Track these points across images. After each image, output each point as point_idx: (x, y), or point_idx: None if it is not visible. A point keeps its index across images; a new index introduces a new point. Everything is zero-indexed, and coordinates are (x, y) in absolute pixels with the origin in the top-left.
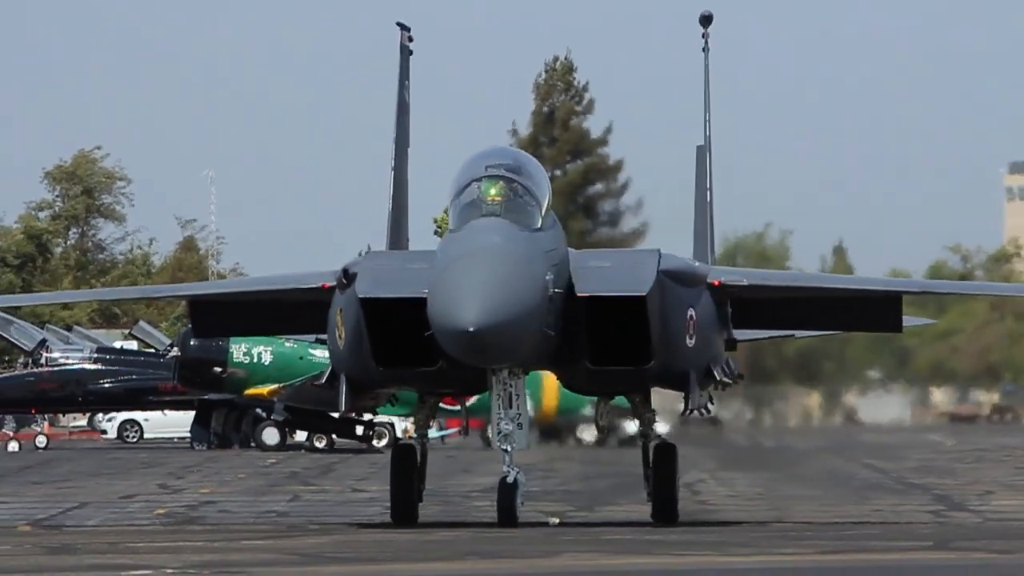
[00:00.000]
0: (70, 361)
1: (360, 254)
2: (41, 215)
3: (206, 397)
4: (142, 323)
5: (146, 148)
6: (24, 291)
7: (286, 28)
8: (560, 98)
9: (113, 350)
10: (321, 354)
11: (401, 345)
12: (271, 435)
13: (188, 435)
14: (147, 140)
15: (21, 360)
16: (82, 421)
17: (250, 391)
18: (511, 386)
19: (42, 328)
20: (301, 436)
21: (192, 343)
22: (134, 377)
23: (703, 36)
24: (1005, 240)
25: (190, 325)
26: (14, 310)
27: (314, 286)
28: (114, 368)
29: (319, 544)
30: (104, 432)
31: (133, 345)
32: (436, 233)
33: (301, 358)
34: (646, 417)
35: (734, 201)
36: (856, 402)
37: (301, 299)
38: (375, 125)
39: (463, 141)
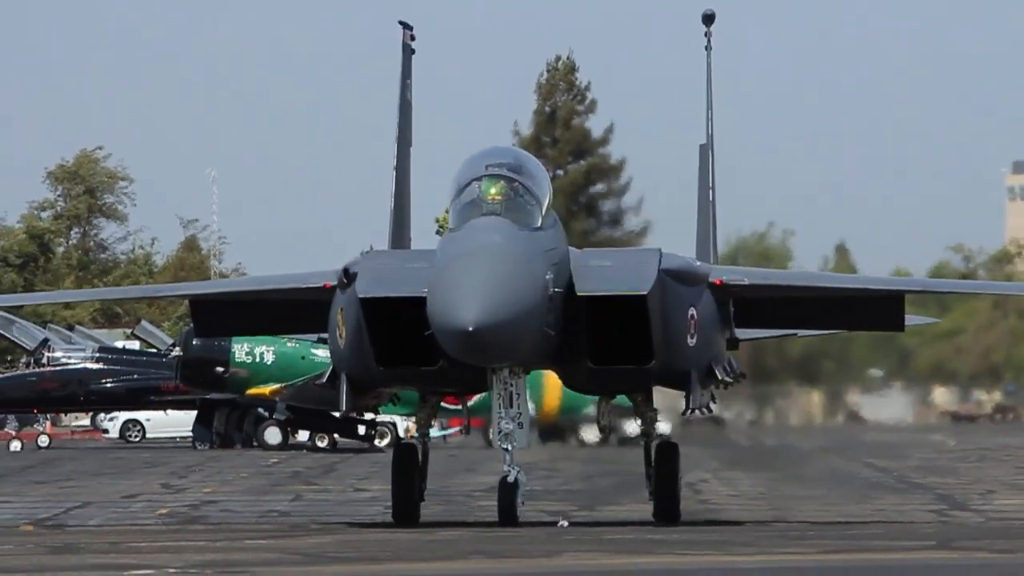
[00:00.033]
0: (72, 361)
1: (362, 254)
2: (43, 215)
3: (208, 397)
4: (144, 323)
5: (148, 148)
6: (26, 291)
7: (288, 27)
8: (562, 98)
9: (115, 350)
10: (323, 354)
11: (402, 344)
12: (273, 435)
13: (190, 435)
14: (149, 140)
15: (23, 360)
16: (84, 421)
17: (252, 391)
18: (512, 385)
19: (44, 328)
20: (303, 436)
21: (194, 343)
22: (136, 377)
23: (705, 35)
24: (1007, 240)
25: (191, 324)
26: (16, 310)
27: (315, 285)
28: (116, 368)
29: (321, 544)
30: (106, 432)
31: (135, 345)
32: (438, 232)
33: (303, 358)
34: (648, 416)
35: (736, 200)
36: (858, 401)
37: (302, 299)
38: (377, 124)
39: (465, 141)
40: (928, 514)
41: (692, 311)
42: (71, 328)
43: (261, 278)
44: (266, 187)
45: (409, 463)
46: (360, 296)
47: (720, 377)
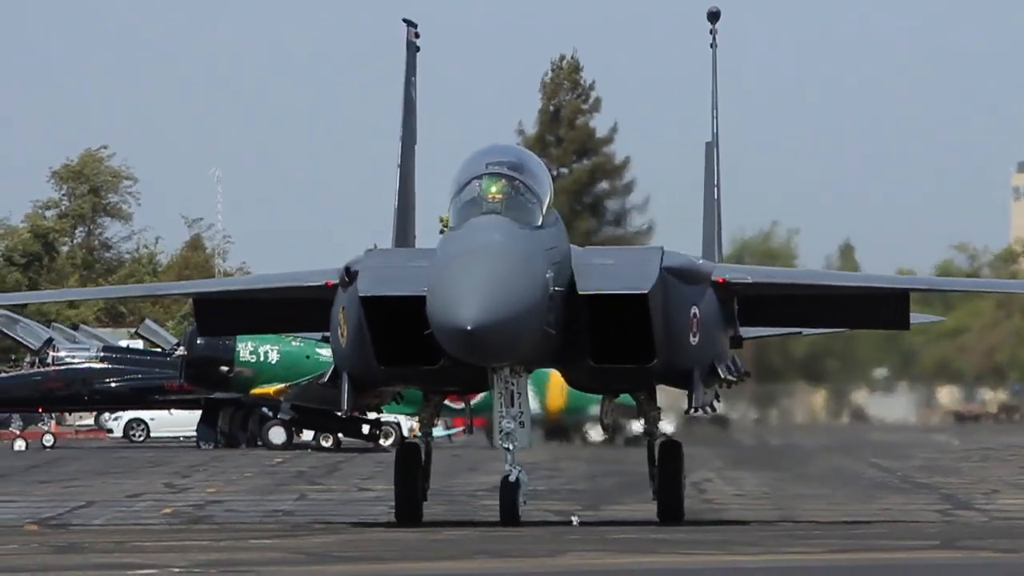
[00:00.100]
0: (76, 360)
1: (366, 252)
2: (48, 214)
3: (212, 396)
4: (148, 322)
5: (152, 147)
6: (30, 290)
7: (292, 27)
8: (566, 97)
9: (119, 349)
10: (328, 353)
11: (403, 343)
12: (277, 434)
13: (194, 434)
14: (153, 139)
15: (28, 359)
16: (88, 420)
17: (256, 390)
18: (513, 384)
19: (48, 327)
20: (307, 435)
21: (198, 342)
22: (140, 376)
23: (711, 32)
24: (1012, 239)
25: (195, 324)
26: (21, 309)
27: (317, 284)
28: (120, 367)
29: (325, 543)
30: (110, 431)
31: (139, 344)
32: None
33: (307, 357)
34: (651, 415)
35: (741, 199)
36: (863, 401)
37: (305, 297)
38: (382, 123)
39: (469, 140)
40: (932, 514)
41: (694, 310)
42: (75, 327)
43: (263, 277)
44: (270, 186)
45: (412, 462)
46: (361, 295)
47: (723, 376)
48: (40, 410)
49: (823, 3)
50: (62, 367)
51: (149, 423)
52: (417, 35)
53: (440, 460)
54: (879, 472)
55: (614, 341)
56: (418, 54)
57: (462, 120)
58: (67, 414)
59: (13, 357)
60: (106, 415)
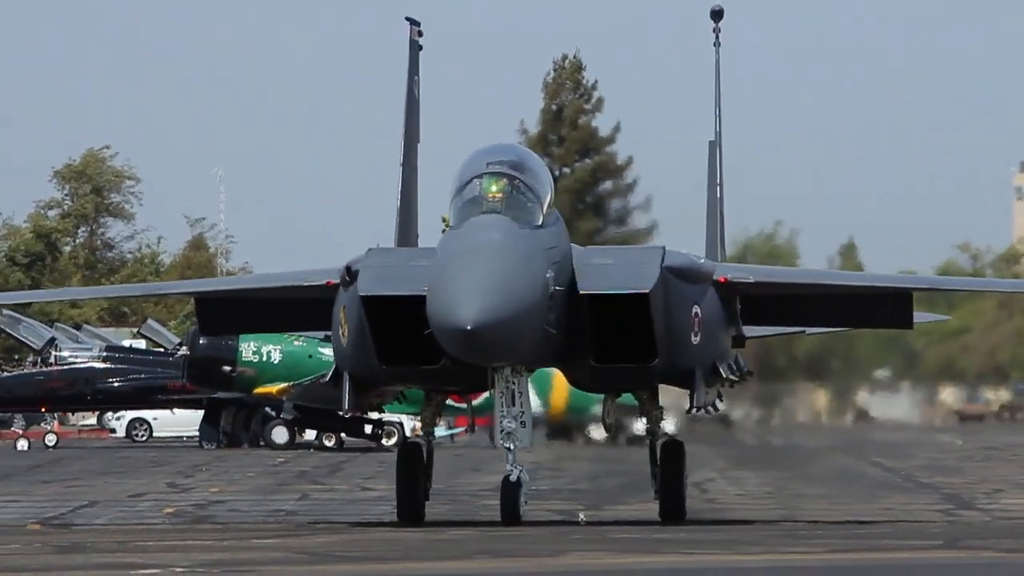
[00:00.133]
0: (79, 360)
1: (366, 252)
2: (50, 214)
3: (215, 396)
4: (151, 322)
5: (155, 147)
6: (33, 289)
7: (295, 27)
8: (569, 96)
9: (122, 349)
10: (330, 353)
11: (404, 343)
12: (280, 434)
13: (197, 434)
14: (156, 139)
15: (30, 359)
16: (91, 420)
17: (259, 390)
18: (514, 384)
19: (51, 327)
20: (310, 435)
21: (201, 342)
22: (143, 376)
23: (714, 31)
24: (1015, 239)
25: (196, 322)
26: (23, 309)
27: (318, 283)
28: (123, 367)
29: (328, 543)
30: (113, 431)
31: (142, 344)
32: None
33: (310, 357)
34: (653, 415)
35: (744, 199)
36: (866, 400)
37: (307, 296)
38: (385, 122)
39: (472, 139)
40: (935, 513)
41: (696, 309)
42: (78, 327)
43: (265, 276)
44: (273, 186)
45: (414, 462)
46: (361, 294)
47: (725, 375)
48: (43, 410)
49: (826, 2)
50: (65, 367)
51: (152, 423)
52: (420, 33)
53: (443, 460)
54: (882, 472)
55: (615, 341)
56: (421, 53)
57: (464, 120)
58: (70, 414)
59: (16, 357)
60: (109, 415)
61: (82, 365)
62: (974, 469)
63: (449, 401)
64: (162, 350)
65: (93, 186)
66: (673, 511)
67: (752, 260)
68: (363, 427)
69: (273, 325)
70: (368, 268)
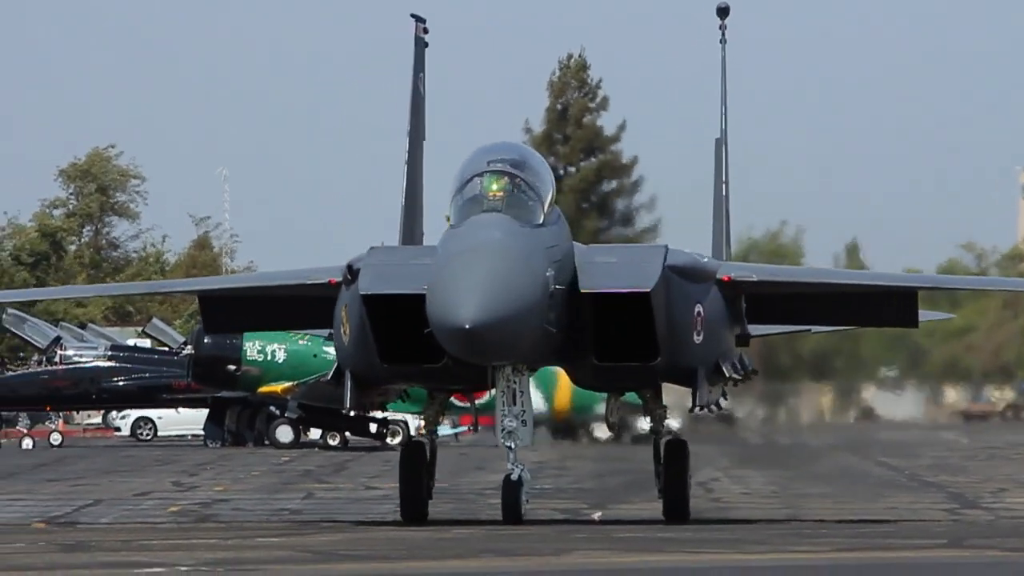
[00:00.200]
0: (84, 359)
1: (368, 250)
2: (55, 213)
3: (220, 395)
4: (156, 321)
5: (160, 146)
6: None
7: (298, 26)
8: (574, 95)
9: (127, 348)
10: (334, 351)
11: (405, 341)
12: (285, 433)
13: (202, 433)
14: (161, 138)
15: (35, 358)
16: (96, 419)
17: (264, 389)
18: (515, 383)
19: (56, 326)
20: (315, 434)
21: (206, 341)
22: (148, 375)
23: (720, 28)
24: (1019, 239)
25: (200, 320)
26: (29, 308)
27: (321, 282)
28: (128, 366)
29: (332, 542)
30: (118, 430)
31: (147, 343)
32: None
33: (315, 356)
34: (657, 414)
35: (749, 198)
36: (870, 399)
37: (310, 295)
38: (390, 121)
39: (476, 138)
40: (940, 512)
41: (699, 308)
42: (83, 326)
43: (268, 274)
44: (278, 185)
45: (417, 461)
46: (362, 293)
47: (728, 374)
48: (48, 409)
49: (830, 1)
50: (70, 366)
51: (156, 422)
52: (426, 31)
53: (448, 458)
54: (886, 471)
55: (617, 339)
56: (426, 50)
57: (469, 118)
58: (75, 413)
59: (21, 356)
60: (113, 414)
61: (87, 364)
62: (979, 468)
63: (454, 400)
64: (167, 349)
65: (98, 185)
66: (677, 510)
67: (756, 259)
68: (368, 426)
69: (277, 323)
70: (369, 267)
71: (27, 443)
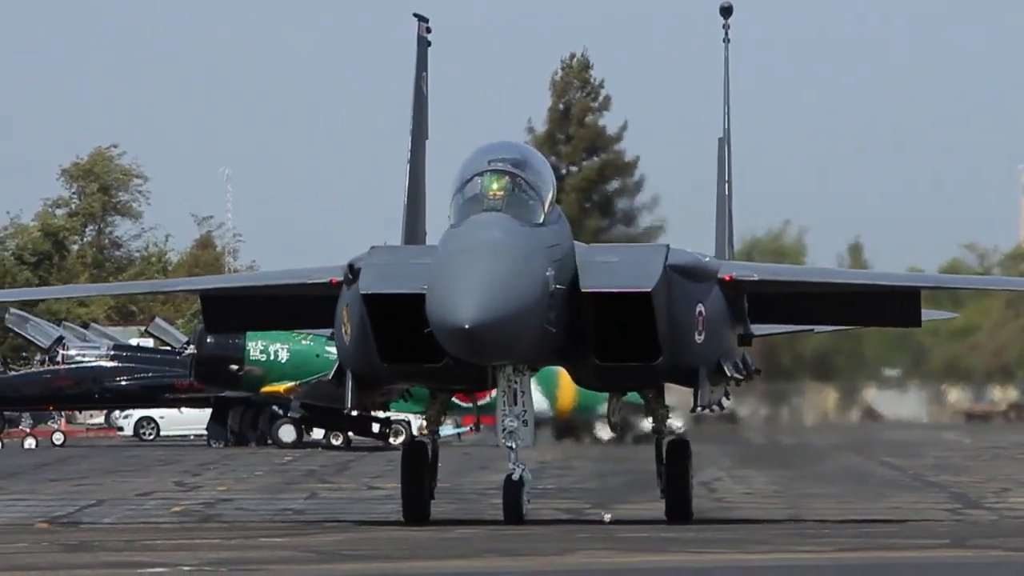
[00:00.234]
0: (87, 358)
1: (369, 250)
2: (58, 212)
3: (223, 394)
4: (158, 320)
5: (163, 145)
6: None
7: (303, 24)
8: (576, 95)
9: (130, 347)
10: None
11: (406, 341)
12: (288, 433)
13: (205, 432)
14: (163, 138)
15: (38, 357)
16: (99, 418)
17: (267, 388)
18: (516, 383)
19: (59, 326)
20: (318, 434)
21: (209, 340)
22: (151, 374)
23: (723, 27)
24: (1021, 238)
25: (202, 319)
26: (31, 307)
27: (323, 281)
28: (131, 365)
29: (335, 542)
30: (121, 429)
31: (150, 342)
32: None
33: (318, 355)
34: (659, 413)
35: (752, 197)
36: (873, 399)
37: (312, 294)
38: (393, 120)
39: (478, 137)
40: (943, 512)
41: (700, 307)
42: (86, 326)
43: (269, 273)
44: (281, 184)
45: (419, 461)
46: (363, 292)
47: (730, 374)
48: (50, 408)
49: (831, 1)
50: (72, 365)
51: (159, 421)
52: (428, 30)
53: (451, 458)
54: (889, 470)
55: (618, 339)
56: (429, 49)
57: (471, 118)
58: (77, 412)
59: (24, 355)
60: (116, 413)
61: (90, 364)
62: (981, 468)
63: (456, 400)
64: (169, 349)
65: (101, 185)
66: (680, 510)
67: (759, 258)
68: (371, 426)
69: (278, 323)
70: (370, 266)
71: (30, 443)
